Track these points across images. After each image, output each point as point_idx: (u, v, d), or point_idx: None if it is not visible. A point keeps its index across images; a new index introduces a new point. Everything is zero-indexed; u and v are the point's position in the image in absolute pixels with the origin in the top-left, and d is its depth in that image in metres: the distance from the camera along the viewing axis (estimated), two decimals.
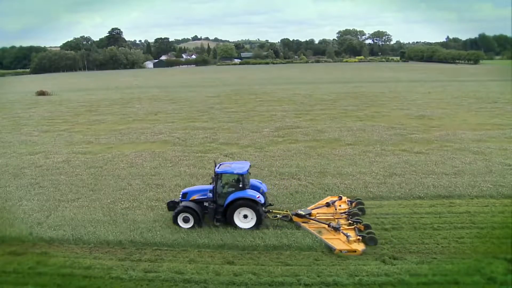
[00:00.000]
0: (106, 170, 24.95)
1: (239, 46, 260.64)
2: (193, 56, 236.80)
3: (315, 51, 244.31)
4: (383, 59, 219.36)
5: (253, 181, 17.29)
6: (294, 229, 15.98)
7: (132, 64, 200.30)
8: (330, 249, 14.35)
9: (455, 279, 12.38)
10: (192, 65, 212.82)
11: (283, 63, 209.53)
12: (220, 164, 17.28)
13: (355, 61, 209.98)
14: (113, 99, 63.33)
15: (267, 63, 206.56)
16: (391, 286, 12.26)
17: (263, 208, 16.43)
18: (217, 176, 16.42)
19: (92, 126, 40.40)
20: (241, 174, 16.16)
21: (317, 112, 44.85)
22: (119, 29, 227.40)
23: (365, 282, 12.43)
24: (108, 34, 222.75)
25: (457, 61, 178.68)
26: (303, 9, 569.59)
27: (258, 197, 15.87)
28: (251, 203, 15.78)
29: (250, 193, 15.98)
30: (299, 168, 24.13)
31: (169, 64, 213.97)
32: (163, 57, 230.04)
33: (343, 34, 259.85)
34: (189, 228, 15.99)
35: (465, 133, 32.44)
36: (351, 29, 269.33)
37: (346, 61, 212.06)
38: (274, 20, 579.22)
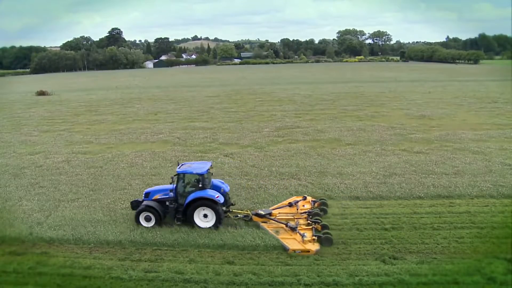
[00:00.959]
0: (106, 170, 24.95)
1: (239, 46, 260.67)
2: (193, 56, 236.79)
3: (315, 51, 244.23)
4: (383, 59, 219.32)
5: (215, 181, 17.53)
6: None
7: (132, 64, 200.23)
8: (284, 249, 14.45)
9: (455, 279, 12.38)
10: (192, 65, 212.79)
11: (283, 63, 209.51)
12: (182, 164, 17.51)
13: (355, 61, 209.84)
14: (113, 99, 63.32)
15: (267, 63, 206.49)
16: (391, 286, 12.26)
17: (224, 208, 16.70)
18: (178, 176, 16.66)
19: (92, 126, 40.40)
20: (200, 174, 16.39)
21: (317, 112, 44.85)
22: (119, 29, 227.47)
23: (365, 282, 12.43)
24: (108, 34, 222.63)
25: (457, 61, 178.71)
26: (303, 9, 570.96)
27: (217, 197, 16.08)
28: (210, 203, 16.01)
29: (210, 193, 16.20)
30: (299, 168, 24.13)
31: (169, 64, 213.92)
32: (163, 57, 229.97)
33: (343, 34, 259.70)
34: (151, 227, 16.23)
35: (465, 133, 32.44)
36: (351, 29, 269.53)
37: (346, 61, 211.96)
38: (274, 20, 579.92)
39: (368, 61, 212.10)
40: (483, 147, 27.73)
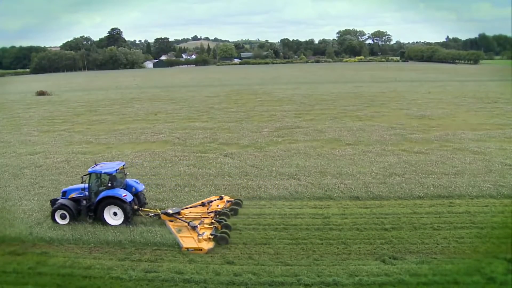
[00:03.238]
0: None
1: (239, 46, 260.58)
2: (193, 56, 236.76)
3: (315, 51, 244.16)
4: (383, 59, 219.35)
5: (130, 180, 18.29)
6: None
7: (132, 64, 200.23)
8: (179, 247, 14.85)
9: (455, 279, 12.38)
10: (192, 65, 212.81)
11: (283, 63, 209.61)
12: (97, 164, 18.20)
13: (355, 61, 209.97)
14: (113, 99, 63.33)
15: (267, 63, 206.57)
16: (391, 286, 12.26)
17: (135, 207, 17.47)
18: (89, 175, 17.35)
19: (92, 126, 40.40)
20: (109, 174, 17.08)
21: (317, 112, 44.86)
22: (119, 29, 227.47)
23: (365, 282, 12.42)
24: (108, 34, 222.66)
25: (457, 61, 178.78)
26: (302, 9, 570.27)
27: (125, 195, 16.71)
28: (118, 201, 16.66)
29: (118, 192, 16.81)
30: (299, 168, 24.13)
31: (169, 64, 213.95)
32: (163, 57, 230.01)
33: (343, 34, 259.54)
34: (66, 224, 16.83)
35: (465, 133, 32.44)
36: (351, 29, 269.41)
37: (346, 61, 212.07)
38: (274, 20, 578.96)
39: (368, 61, 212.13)
40: (483, 147, 27.73)
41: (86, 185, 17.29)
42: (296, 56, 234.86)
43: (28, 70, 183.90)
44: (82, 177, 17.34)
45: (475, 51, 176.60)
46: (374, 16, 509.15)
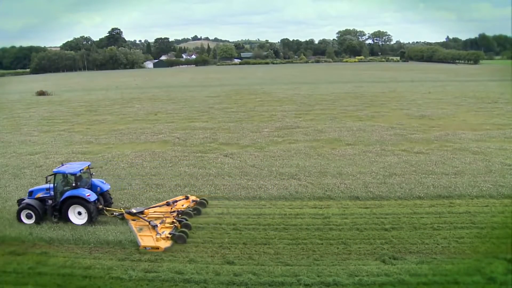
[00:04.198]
0: (106, 170, 24.94)
1: (239, 46, 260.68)
2: (193, 56, 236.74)
3: (315, 51, 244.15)
4: (383, 59, 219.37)
5: (96, 180, 18.57)
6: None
7: (132, 64, 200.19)
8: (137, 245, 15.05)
9: (455, 279, 12.38)
10: (192, 65, 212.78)
11: (283, 63, 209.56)
12: (63, 165, 18.47)
13: (355, 61, 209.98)
14: (113, 99, 63.33)
15: (267, 63, 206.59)
16: (391, 286, 12.26)
17: (100, 206, 17.79)
18: (54, 176, 17.55)
19: (92, 126, 40.40)
20: (73, 174, 17.35)
21: (317, 112, 44.86)
22: (119, 29, 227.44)
23: (365, 282, 12.42)
24: (108, 34, 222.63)
25: (457, 61, 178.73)
26: (302, 9, 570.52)
27: (88, 195, 16.96)
28: (82, 201, 16.93)
29: (82, 191, 17.07)
30: (299, 168, 24.12)
31: (169, 64, 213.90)
32: (163, 57, 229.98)
33: (343, 34, 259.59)
34: (32, 223, 17.01)
35: (465, 133, 32.44)
36: (351, 29, 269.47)
37: (346, 61, 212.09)
38: (274, 20, 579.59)
39: (368, 61, 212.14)
40: (483, 147, 27.73)
41: (51, 185, 17.53)
42: (296, 56, 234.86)
43: (28, 70, 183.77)
44: (46, 177, 17.58)
45: (475, 51, 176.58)
46: (374, 16, 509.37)
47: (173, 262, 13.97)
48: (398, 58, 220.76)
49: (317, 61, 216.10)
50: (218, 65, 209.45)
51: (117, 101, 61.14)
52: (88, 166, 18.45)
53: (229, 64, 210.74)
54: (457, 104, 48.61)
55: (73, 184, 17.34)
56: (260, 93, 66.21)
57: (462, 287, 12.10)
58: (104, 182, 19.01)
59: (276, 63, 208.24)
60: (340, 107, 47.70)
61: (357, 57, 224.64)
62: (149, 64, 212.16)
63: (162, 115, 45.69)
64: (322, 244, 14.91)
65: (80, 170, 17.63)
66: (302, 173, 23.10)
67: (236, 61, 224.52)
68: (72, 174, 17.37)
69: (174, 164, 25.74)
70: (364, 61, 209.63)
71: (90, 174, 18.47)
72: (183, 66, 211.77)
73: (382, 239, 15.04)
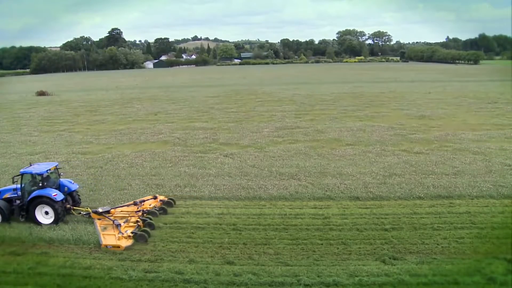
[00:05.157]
0: (106, 170, 24.95)
1: (239, 46, 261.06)
2: (193, 56, 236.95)
3: (315, 51, 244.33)
4: (383, 59, 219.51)
5: (64, 180, 18.66)
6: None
7: (132, 64, 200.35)
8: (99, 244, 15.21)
9: (455, 279, 12.38)
10: (192, 65, 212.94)
11: (283, 63, 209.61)
12: (31, 165, 18.52)
13: (355, 61, 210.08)
14: (113, 99, 63.33)
15: (267, 63, 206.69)
16: (391, 286, 12.26)
17: (67, 206, 17.89)
18: (21, 176, 17.61)
19: (92, 126, 40.40)
20: (39, 174, 17.42)
21: (317, 112, 44.86)
22: (119, 29, 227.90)
23: (365, 282, 12.42)
24: (108, 34, 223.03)
25: (457, 61, 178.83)
26: (301, 9, 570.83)
27: (55, 195, 17.00)
28: (48, 201, 16.97)
29: (48, 191, 17.11)
30: (299, 168, 24.12)
31: (169, 64, 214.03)
32: (163, 57, 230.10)
33: (343, 34, 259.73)
34: None
35: (465, 133, 32.44)
36: (351, 29, 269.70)
37: (346, 61, 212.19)
38: (274, 21, 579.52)
39: (368, 61, 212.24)
40: (483, 147, 27.72)
41: (18, 185, 17.60)
42: (296, 57, 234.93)
43: (28, 70, 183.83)
44: (13, 178, 17.63)
45: (475, 51, 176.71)
46: (374, 17, 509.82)
47: (173, 262, 13.96)
48: (398, 58, 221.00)
49: (317, 61, 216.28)
50: (218, 65, 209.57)
51: (117, 101, 61.14)
52: (56, 166, 18.51)
53: (229, 64, 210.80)
54: (457, 104, 48.61)
55: (40, 184, 17.43)
56: (260, 93, 66.22)
57: (462, 287, 12.10)
58: (73, 182, 19.04)
59: (276, 63, 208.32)
60: (340, 107, 47.71)
61: (357, 57, 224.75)
62: (149, 64, 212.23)
63: (162, 115, 45.69)
64: (322, 244, 14.91)
65: (47, 171, 17.72)
66: (302, 173, 23.09)
67: (236, 61, 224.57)
68: (39, 174, 17.44)
69: (174, 164, 25.74)
70: (364, 62, 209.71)
71: (58, 175, 18.54)
72: (183, 66, 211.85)
73: (382, 239, 15.04)
